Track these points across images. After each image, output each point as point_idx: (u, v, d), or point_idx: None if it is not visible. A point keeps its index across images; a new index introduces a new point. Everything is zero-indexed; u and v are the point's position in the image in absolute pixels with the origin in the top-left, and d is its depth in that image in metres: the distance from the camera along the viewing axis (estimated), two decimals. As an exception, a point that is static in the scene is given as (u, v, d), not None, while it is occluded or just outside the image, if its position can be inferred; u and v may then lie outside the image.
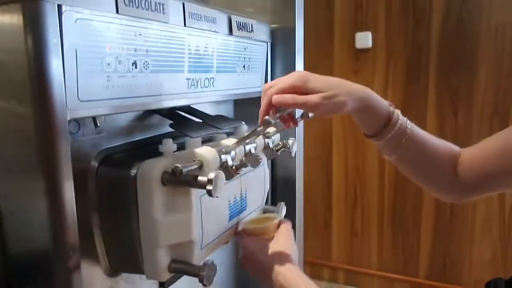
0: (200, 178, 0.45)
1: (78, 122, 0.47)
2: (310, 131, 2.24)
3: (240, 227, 0.61)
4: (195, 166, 0.47)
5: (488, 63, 1.89)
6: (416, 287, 2.21)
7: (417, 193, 2.11)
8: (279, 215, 0.67)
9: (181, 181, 0.46)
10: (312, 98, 0.52)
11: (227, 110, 0.81)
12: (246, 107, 0.83)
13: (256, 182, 0.65)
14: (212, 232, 0.54)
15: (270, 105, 0.53)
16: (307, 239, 2.45)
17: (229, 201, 0.57)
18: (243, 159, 0.53)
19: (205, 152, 0.48)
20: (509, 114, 1.89)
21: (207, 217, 0.52)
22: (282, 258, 0.57)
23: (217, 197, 0.45)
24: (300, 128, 0.84)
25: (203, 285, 0.47)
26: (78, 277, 0.40)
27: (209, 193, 0.44)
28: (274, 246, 0.59)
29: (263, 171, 0.67)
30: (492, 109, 1.92)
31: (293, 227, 0.93)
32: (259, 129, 0.50)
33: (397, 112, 0.60)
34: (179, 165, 0.44)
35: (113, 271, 0.53)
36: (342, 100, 0.53)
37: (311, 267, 2.42)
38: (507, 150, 0.56)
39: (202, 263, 0.48)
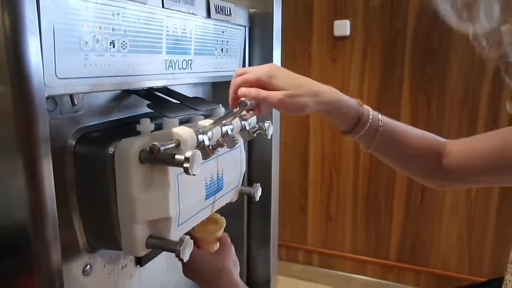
0: (177, 156, 0.46)
1: (55, 100, 0.48)
2: (288, 117, 2.27)
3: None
4: (173, 145, 0.48)
5: (462, 54, 1.95)
6: (386, 269, 2.30)
7: (390, 179, 2.18)
8: (224, 221, 0.71)
9: (158, 159, 0.47)
10: (274, 94, 0.54)
11: (204, 93, 0.82)
12: (223, 90, 0.83)
13: (233, 163, 0.67)
14: (189, 210, 0.55)
15: (236, 94, 0.56)
16: (283, 223, 2.51)
17: (205, 180, 0.59)
18: (220, 139, 0.54)
19: (183, 131, 0.50)
20: (479, 102, 1.97)
21: (184, 195, 0.53)
22: (228, 272, 0.62)
23: (194, 175, 0.46)
24: (276, 113, 0.86)
25: (180, 259, 0.49)
26: (57, 253, 0.41)
27: (186, 171, 0.45)
28: (226, 256, 0.65)
29: (240, 153, 0.69)
30: (462, 98, 1.98)
31: (268, 209, 0.96)
32: (235, 110, 0.52)
33: (367, 109, 0.61)
34: (156, 143, 0.45)
35: (90, 248, 0.54)
36: (303, 101, 0.55)
37: (287, 251, 2.48)
38: (502, 154, 0.58)
39: (179, 239, 0.50)
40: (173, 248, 0.49)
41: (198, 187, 0.57)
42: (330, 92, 0.58)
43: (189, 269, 0.62)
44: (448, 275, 2.17)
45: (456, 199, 2.08)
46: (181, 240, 0.49)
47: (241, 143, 0.69)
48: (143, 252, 0.51)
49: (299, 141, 2.32)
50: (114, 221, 0.50)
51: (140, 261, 0.65)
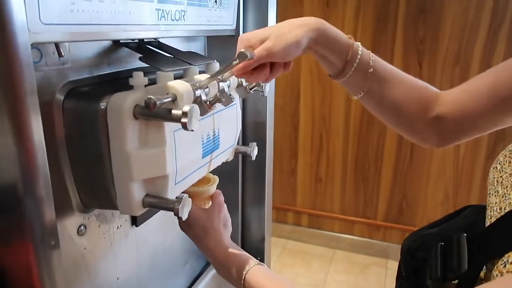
0: (174, 111, 0.44)
1: (40, 50, 0.44)
2: (279, 80, 2.23)
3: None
4: (169, 99, 0.45)
5: (454, 14, 1.91)
6: (373, 228, 2.36)
7: (379, 141, 2.19)
8: (216, 178, 0.69)
9: (154, 114, 0.45)
10: (266, 42, 0.51)
11: (198, 49, 0.78)
12: (218, 47, 0.80)
13: (229, 121, 0.65)
14: (186, 168, 0.53)
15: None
16: (273, 185, 2.52)
17: (202, 138, 0.57)
18: (218, 93, 0.52)
19: (179, 85, 0.47)
20: (471, 64, 1.95)
21: (181, 153, 0.51)
22: (216, 232, 0.62)
23: (192, 130, 0.44)
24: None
25: (178, 218, 0.48)
26: (50, 210, 0.40)
27: (184, 126, 0.43)
28: (215, 216, 0.63)
29: (236, 111, 0.67)
30: (454, 59, 1.97)
31: (263, 170, 0.95)
32: (234, 62, 0.49)
33: (357, 44, 0.58)
34: (152, 97, 0.43)
35: (84, 207, 0.52)
36: (294, 34, 0.51)
37: (276, 212, 2.51)
38: (495, 89, 0.55)
39: (176, 197, 0.48)
40: (171, 206, 0.48)
41: (194, 145, 0.55)
42: (316, 19, 0.55)
43: (183, 222, 0.62)
44: (433, 234, 2.23)
45: (443, 160, 2.11)
46: (179, 198, 0.48)
47: (237, 100, 0.67)
48: (139, 211, 0.49)
49: (289, 104, 2.29)
50: (109, 179, 0.48)
51: (135, 221, 0.64)
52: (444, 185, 2.15)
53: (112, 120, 0.46)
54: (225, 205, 0.66)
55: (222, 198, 0.66)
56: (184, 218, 0.48)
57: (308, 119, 2.29)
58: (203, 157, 0.58)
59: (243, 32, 0.71)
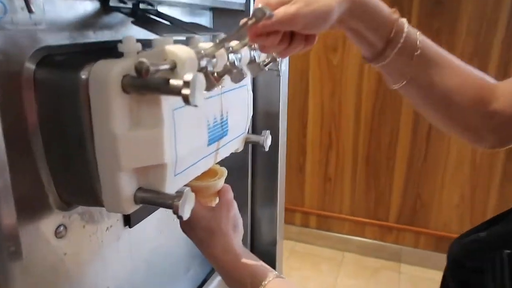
0: (173, 81, 0.34)
1: (3, 2, 0.35)
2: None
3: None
4: (166, 67, 0.36)
5: (472, 6, 1.81)
6: (385, 231, 2.25)
7: (392, 138, 2.09)
8: (224, 171, 0.58)
9: (148, 85, 0.35)
10: (289, 6, 0.41)
11: (203, 23, 0.69)
12: (225, 23, 0.71)
13: (239, 104, 0.55)
14: (188, 157, 0.44)
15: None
16: (280, 185, 2.43)
17: (208, 122, 0.47)
18: (227, 64, 0.42)
19: (180, 50, 0.37)
20: (489, 58, 1.85)
21: (182, 138, 0.41)
22: (224, 235, 0.52)
23: (195, 106, 0.34)
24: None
25: (178, 217, 0.38)
26: (8, 208, 0.30)
27: (186, 99, 0.34)
28: (223, 216, 0.53)
29: (247, 93, 0.57)
30: (471, 53, 1.86)
31: (275, 166, 0.85)
32: (250, 22, 0.39)
33: (403, 20, 0.48)
34: (145, 61, 0.33)
35: (64, 204, 0.43)
36: (325, 3, 0.41)
37: (284, 212, 2.40)
38: None
39: (177, 191, 0.39)
40: (170, 203, 0.38)
41: (199, 129, 0.46)
42: None
43: (184, 222, 0.52)
44: (448, 237, 2.13)
45: (460, 159, 2.00)
46: (180, 193, 0.38)
47: (248, 81, 0.57)
48: (130, 208, 0.40)
49: (297, 99, 2.19)
50: (92, 168, 0.38)
51: (129, 221, 0.54)
52: (460, 185, 2.05)
53: (96, 93, 0.36)
54: (235, 203, 0.56)
55: (231, 194, 0.56)
56: (185, 218, 0.39)
57: (317, 114, 2.19)
58: (209, 144, 0.48)
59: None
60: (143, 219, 0.57)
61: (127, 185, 0.38)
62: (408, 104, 2.01)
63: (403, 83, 0.49)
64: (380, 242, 2.26)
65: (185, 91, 0.33)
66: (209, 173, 0.55)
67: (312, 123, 2.22)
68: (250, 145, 0.77)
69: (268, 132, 0.61)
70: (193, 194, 0.40)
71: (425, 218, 2.16)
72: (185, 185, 0.52)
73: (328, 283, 2.07)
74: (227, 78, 0.47)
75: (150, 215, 0.58)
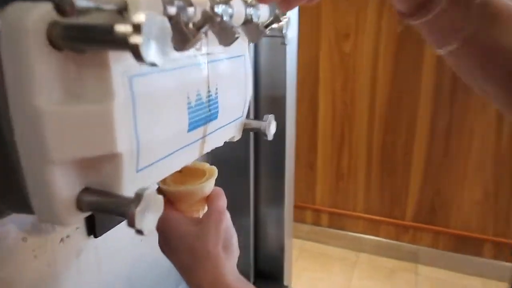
0: (119, 25, 0.22)
1: None
2: (295, 62, 2.01)
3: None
4: (111, 7, 0.24)
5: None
6: (402, 230, 2.12)
7: (409, 130, 1.95)
8: (214, 170, 0.45)
9: (84, 33, 0.23)
10: None
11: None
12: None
13: (233, 80, 0.43)
14: (158, 146, 0.32)
15: None
16: (289, 182, 2.31)
17: (188, 99, 0.35)
18: (208, 11, 0.30)
19: (133, -14, 0.25)
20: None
21: (146, 118, 0.30)
22: (212, 258, 0.38)
23: (153, 64, 0.22)
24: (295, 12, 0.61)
25: (137, 231, 0.26)
26: None
27: (136, 52, 0.22)
28: (211, 232, 0.39)
29: (244, 65, 0.45)
30: None
31: (281, 160, 0.73)
32: None
33: None
34: (69, -8, 0.21)
35: (-12, 211, 0.31)
36: None
37: (293, 210, 2.29)
38: None
39: (135, 194, 0.27)
40: (123, 210, 0.26)
41: (175, 108, 0.34)
42: None
43: (163, 241, 0.40)
44: (469, 236, 1.99)
45: (484, 153, 1.86)
46: (138, 196, 0.26)
47: (245, 51, 0.45)
48: (71, 218, 0.28)
49: (306, 89, 2.06)
50: (13, 161, 0.27)
51: (93, 229, 0.43)
52: (483, 181, 1.90)
53: (10, 50, 0.24)
54: (227, 214, 0.43)
55: (223, 201, 0.43)
56: (146, 232, 0.27)
57: (328, 106, 2.06)
58: (190, 130, 0.36)
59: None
60: (114, 225, 0.45)
61: (65, 185, 0.27)
62: (427, 95, 1.87)
63: (454, 45, 0.36)
64: (396, 242, 2.13)
65: (135, 40, 0.21)
66: (195, 174, 0.43)
67: (323, 116, 2.09)
68: (252, 135, 0.65)
69: (271, 116, 0.49)
70: (159, 198, 0.28)
71: (444, 216, 2.02)
72: (164, 191, 0.41)
73: (341, 285, 1.95)
74: (214, 41, 0.35)
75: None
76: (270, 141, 0.65)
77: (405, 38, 1.82)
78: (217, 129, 0.41)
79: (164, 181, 0.40)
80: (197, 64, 0.36)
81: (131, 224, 0.26)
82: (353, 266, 2.09)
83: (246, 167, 0.68)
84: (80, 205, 0.28)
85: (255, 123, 0.49)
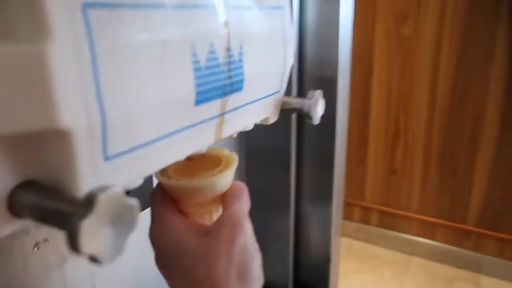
0: None
1: None
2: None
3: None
4: None
5: None
6: (462, 235, 1.91)
7: (476, 125, 1.73)
8: (234, 158, 0.32)
9: None
10: None
11: None
12: None
13: (266, 38, 0.32)
14: (144, 121, 0.21)
15: None
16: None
17: (195, 55, 0.24)
18: None
19: None
20: None
21: (118, 75, 0.19)
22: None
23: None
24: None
25: (87, 257, 0.16)
26: None
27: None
28: (221, 250, 0.27)
29: (282, 20, 0.33)
30: None
31: (330, 152, 0.60)
32: None
33: None
34: None
35: None
36: None
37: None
38: None
39: (85, 195, 0.16)
40: (66, 220, 0.16)
41: (170, 66, 0.23)
42: None
43: (159, 255, 0.30)
44: (542, 246, 1.75)
45: None
46: (89, 200, 0.16)
47: (284, 1, 0.33)
48: (3, 227, 0.18)
49: (357, 76, 1.90)
50: None
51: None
52: None
53: None
54: (247, 225, 0.30)
55: (243, 204, 0.30)
56: (103, 258, 0.16)
57: (383, 97, 1.88)
58: (199, 103, 0.25)
59: None
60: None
61: (-17, 177, 0.17)
62: (497, 86, 1.65)
63: None
64: (456, 248, 1.92)
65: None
66: (209, 163, 0.31)
67: (376, 107, 1.92)
68: (293, 118, 0.53)
69: (318, 93, 0.37)
70: (130, 204, 0.17)
71: (513, 222, 1.79)
72: (162, 183, 0.30)
73: (391, 291, 1.79)
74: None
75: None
76: (316, 127, 0.54)
77: (473, 20, 1.61)
78: (242, 106, 0.30)
79: (164, 171, 0.30)
80: (212, 6, 0.25)
81: (72, 243, 0.15)
82: (405, 270, 1.92)
83: (286, 158, 0.57)
84: (16, 209, 0.18)
85: (297, 102, 0.37)
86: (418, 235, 1.99)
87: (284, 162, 0.57)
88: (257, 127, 0.53)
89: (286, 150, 0.56)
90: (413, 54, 1.77)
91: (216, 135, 0.28)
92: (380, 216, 2.08)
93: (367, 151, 2.00)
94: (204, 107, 0.26)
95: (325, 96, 0.49)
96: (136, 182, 0.22)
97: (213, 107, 0.27)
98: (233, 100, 0.28)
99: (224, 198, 0.30)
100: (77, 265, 0.34)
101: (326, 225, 0.62)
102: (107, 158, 0.19)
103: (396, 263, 1.96)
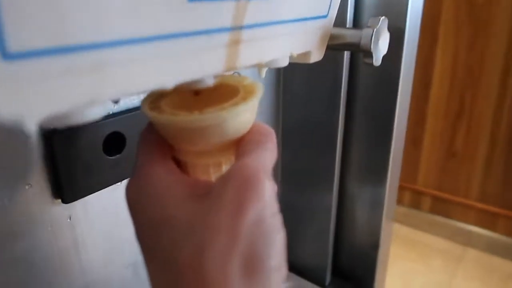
0: None
1: None
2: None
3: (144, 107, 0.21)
4: None
5: None
6: (527, 228, 1.72)
7: (557, 105, 1.51)
8: (254, 87, 0.21)
9: None
10: None
11: None
12: None
13: None
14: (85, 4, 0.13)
15: None
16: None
17: None
18: None
19: None
20: None
21: None
22: (232, 282, 0.17)
23: None
24: None
25: None
26: None
27: None
28: (216, 224, 0.17)
29: None
30: None
31: (387, 124, 0.49)
32: None
33: None
34: None
35: None
36: None
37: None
38: None
39: None
40: None
41: None
42: None
43: (136, 218, 0.20)
44: None
45: None
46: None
47: None
48: None
49: (420, 44, 1.71)
50: None
51: (60, 190, 0.26)
52: None
53: None
54: (270, 185, 0.19)
55: (265, 156, 0.20)
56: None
57: (447, 70, 1.70)
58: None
59: None
60: (98, 188, 0.28)
61: None
62: None
63: None
64: (518, 242, 1.74)
65: None
66: (219, 95, 0.22)
67: (438, 82, 1.73)
68: (345, 63, 0.42)
69: (383, 20, 0.26)
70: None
71: None
72: (153, 118, 0.21)
73: (440, 283, 1.66)
74: None
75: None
76: (373, 83, 0.43)
77: None
78: (270, 22, 0.21)
79: (155, 102, 0.21)
80: None
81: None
82: (457, 262, 1.76)
83: (331, 121, 0.47)
84: None
85: (351, 34, 0.27)
86: (476, 225, 1.82)
87: (328, 127, 0.47)
88: (297, 81, 0.43)
89: (333, 109, 0.45)
90: (486, 25, 1.56)
91: (228, 59, 0.19)
92: (432, 201, 1.92)
93: (424, 130, 1.82)
94: (206, 7, 0.16)
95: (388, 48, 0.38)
96: (79, 111, 0.14)
97: (222, 12, 0.17)
98: (256, 8, 0.19)
99: (240, 146, 0.21)
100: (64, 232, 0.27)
101: (376, 207, 0.52)
102: (7, 56, 0.11)
103: (447, 253, 1.81)
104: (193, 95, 0.22)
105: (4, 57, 0.11)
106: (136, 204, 0.20)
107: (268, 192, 0.18)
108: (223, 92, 0.21)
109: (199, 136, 0.20)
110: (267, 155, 0.20)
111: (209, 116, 0.19)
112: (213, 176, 0.22)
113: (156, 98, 0.21)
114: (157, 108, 0.20)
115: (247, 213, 0.17)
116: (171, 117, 0.19)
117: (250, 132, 0.21)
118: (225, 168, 0.22)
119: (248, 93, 0.20)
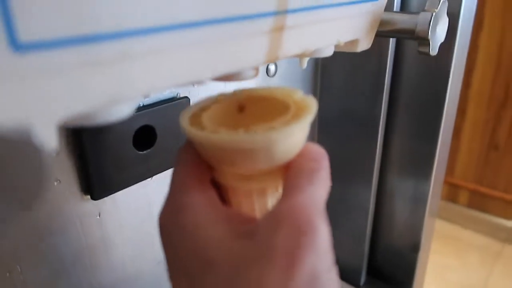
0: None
1: None
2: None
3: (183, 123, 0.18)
4: None
5: None
6: None
7: None
8: (308, 104, 0.18)
9: None
10: None
11: None
12: None
13: None
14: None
15: None
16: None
17: None
18: None
19: None
20: None
21: None
22: None
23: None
24: None
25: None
26: None
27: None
28: (266, 271, 0.14)
29: None
30: None
31: (436, 116, 0.45)
32: None
33: None
34: None
35: None
36: None
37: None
38: None
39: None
40: None
41: None
42: None
43: (169, 252, 0.18)
44: None
45: None
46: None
47: None
48: None
49: (466, 32, 1.62)
50: None
51: (89, 187, 0.25)
52: None
53: None
54: (325, 227, 0.16)
55: (319, 190, 0.17)
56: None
57: (491, 57, 1.60)
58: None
59: None
60: (128, 184, 0.27)
61: None
62: None
63: None
64: None
65: None
66: (267, 110, 0.19)
67: (481, 69, 1.64)
68: (390, 51, 0.38)
69: (441, 2, 0.23)
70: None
71: None
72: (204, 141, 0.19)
73: (476, 280, 1.59)
74: None
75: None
76: (420, 72, 0.40)
77: None
78: (317, 6, 0.18)
79: (197, 117, 0.19)
80: None
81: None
82: (495, 259, 1.69)
83: (372, 113, 0.44)
84: None
85: (406, 19, 0.24)
86: (517, 221, 1.73)
87: (369, 117, 0.44)
88: (336, 69, 0.40)
89: (375, 100, 0.42)
90: (537, 6, 1.45)
91: (271, 48, 0.17)
92: (470, 195, 1.84)
93: (464, 119, 1.74)
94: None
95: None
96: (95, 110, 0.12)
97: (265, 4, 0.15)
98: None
99: (289, 172, 0.18)
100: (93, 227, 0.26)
101: (418, 203, 0.49)
102: (18, 47, 0.09)
103: (484, 249, 1.73)
104: (237, 111, 0.20)
105: (14, 48, 0.09)
106: (169, 236, 0.17)
107: (323, 241, 0.16)
108: (271, 107, 0.19)
109: (243, 159, 0.17)
110: (321, 189, 0.17)
111: (256, 137, 0.16)
112: (256, 203, 0.19)
113: (197, 111, 0.19)
114: (197, 124, 0.18)
115: (300, 270, 0.15)
116: (212, 136, 0.16)
117: (301, 155, 0.18)
118: (270, 196, 0.19)
119: (300, 109, 0.18)
